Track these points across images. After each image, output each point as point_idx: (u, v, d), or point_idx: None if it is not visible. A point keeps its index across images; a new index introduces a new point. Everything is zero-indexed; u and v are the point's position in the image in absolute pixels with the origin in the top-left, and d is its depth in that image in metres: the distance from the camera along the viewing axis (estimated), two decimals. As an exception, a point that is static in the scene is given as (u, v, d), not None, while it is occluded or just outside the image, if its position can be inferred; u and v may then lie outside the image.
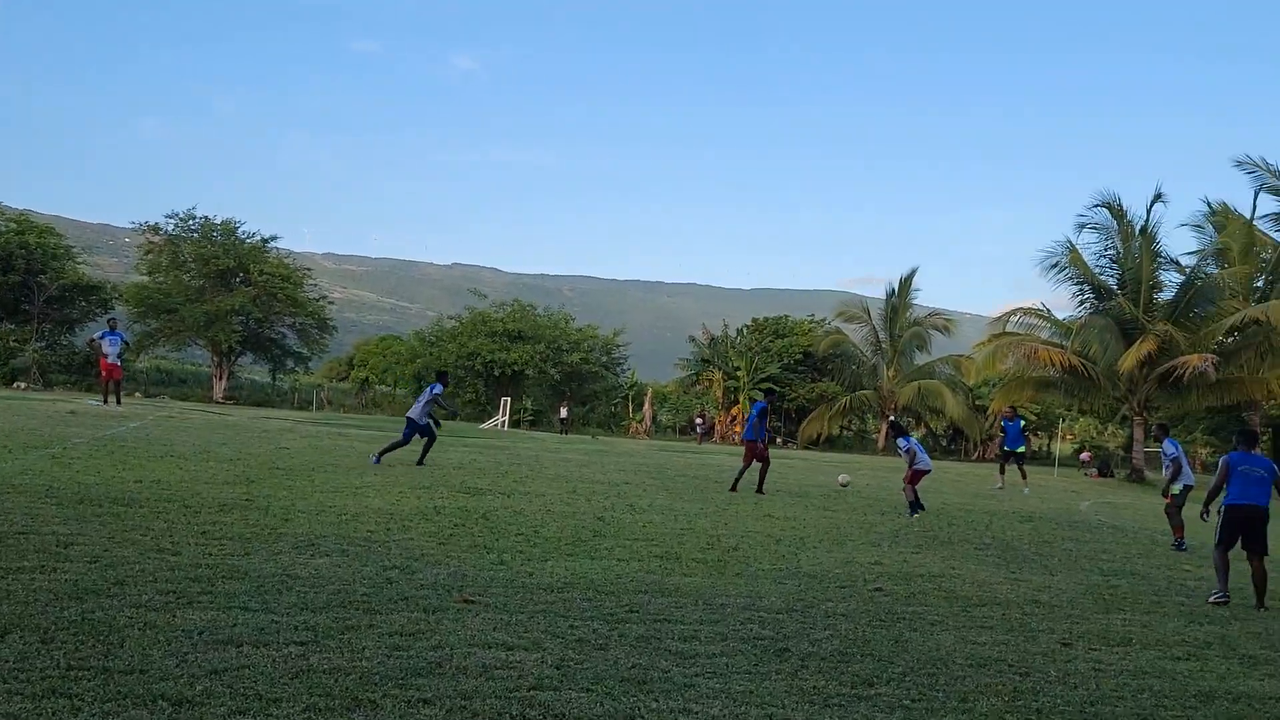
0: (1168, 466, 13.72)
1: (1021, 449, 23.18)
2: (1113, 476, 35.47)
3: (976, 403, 49.07)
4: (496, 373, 48.34)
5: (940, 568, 9.57)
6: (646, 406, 51.16)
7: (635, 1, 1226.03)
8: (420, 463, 15.41)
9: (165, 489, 10.11)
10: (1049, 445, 56.82)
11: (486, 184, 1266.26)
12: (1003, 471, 22.86)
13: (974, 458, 47.85)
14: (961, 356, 48.85)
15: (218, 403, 39.55)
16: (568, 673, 4.96)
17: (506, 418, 42.18)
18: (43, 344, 40.61)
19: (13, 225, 40.44)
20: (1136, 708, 5.27)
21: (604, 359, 53.39)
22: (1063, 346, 33.38)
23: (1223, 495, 9.29)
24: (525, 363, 47.57)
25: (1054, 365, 32.72)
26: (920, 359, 50.55)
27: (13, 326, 41.76)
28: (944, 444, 54.47)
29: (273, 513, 9.23)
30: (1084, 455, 41.11)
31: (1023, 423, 20.25)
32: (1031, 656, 6.23)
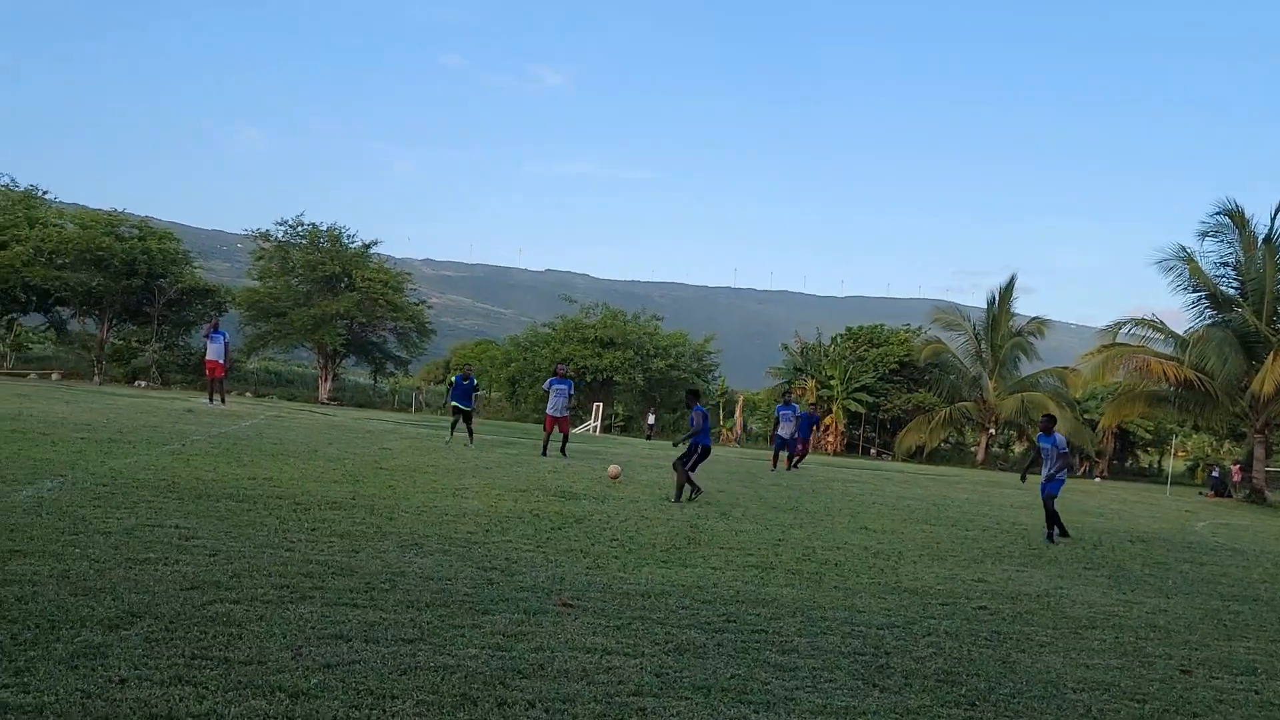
0: None
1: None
2: (1230, 496, 33.80)
3: (1085, 416, 47.37)
4: (588, 378, 48.78)
5: (1048, 587, 9.27)
6: (738, 414, 50.91)
7: (719, 6, 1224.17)
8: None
9: (276, 486, 10.50)
10: (1160, 462, 54.51)
11: (578, 193, 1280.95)
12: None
13: (1079, 473, 46.20)
14: (1067, 368, 47.30)
15: (322, 403, 40.88)
16: (668, 680, 4.96)
17: (598, 423, 42.51)
18: (162, 345, 42.60)
19: (136, 232, 42.52)
20: (1264, 742, 5.00)
21: (694, 365, 53.37)
22: (1178, 359, 31.99)
23: None
24: (615, 369, 47.87)
25: (1168, 379, 31.38)
26: (1022, 370, 49.10)
27: (134, 328, 43.93)
28: (1072, 465, 52.71)
29: (377, 512, 9.49)
30: (1233, 470, 38.83)
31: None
32: (1148, 683, 5.97)
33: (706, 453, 13.88)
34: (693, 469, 13.61)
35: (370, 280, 45.06)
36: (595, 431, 41.65)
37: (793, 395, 34.48)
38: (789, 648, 5.91)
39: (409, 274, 51.62)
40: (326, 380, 46.23)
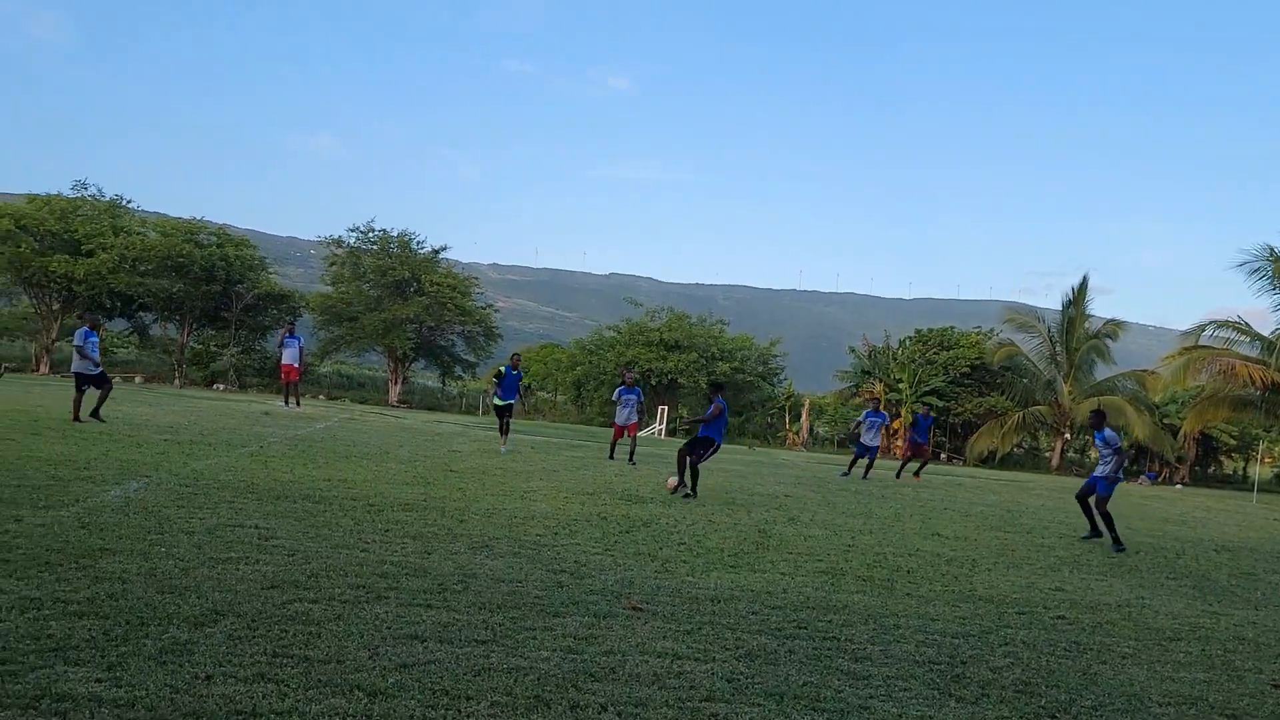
0: None
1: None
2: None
3: (1164, 420, 45.94)
4: (654, 381, 48.81)
5: (1129, 597, 9.00)
6: (804, 418, 50.47)
7: (783, 11, 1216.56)
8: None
9: (351, 488, 10.71)
10: (1245, 469, 52.61)
11: (641, 196, 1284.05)
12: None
13: (1158, 480, 44.79)
14: (1146, 371, 45.90)
15: (392, 406, 41.61)
16: (739, 686, 4.94)
17: (663, 426, 42.52)
18: (239, 349, 43.77)
19: (214, 239, 43.79)
20: (1365, 763, 4.79)
21: (760, 369, 53.03)
22: (1264, 362, 30.86)
23: None
24: (680, 371, 47.83)
25: (1254, 383, 30.29)
26: (1099, 373, 47.76)
27: (213, 332, 45.22)
28: (1127, 464, 51.25)
29: (448, 514, 9.62)
30: None
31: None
32: (1238, 698, 5.76)
33: (716, 449, 14.09)
34: (699, 462, 13.76)
35: (439, 285, 45.72)
36: (660, 434, 41.65)
37: (881, 403, 33.07)
38: (862, 655, 5.84)
39: (476, 278, 52.26)
40: (396, 383, 47.03)
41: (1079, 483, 18.21)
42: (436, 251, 48.21)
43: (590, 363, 51.15)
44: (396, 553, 7.40)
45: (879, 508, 15.09)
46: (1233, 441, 51.30)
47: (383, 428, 21.94)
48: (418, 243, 47.56)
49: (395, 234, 47.28)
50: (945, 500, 17.95)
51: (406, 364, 48.04)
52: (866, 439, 22.06)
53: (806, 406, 51.20)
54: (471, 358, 50.62)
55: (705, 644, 5.70)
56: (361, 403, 39.44)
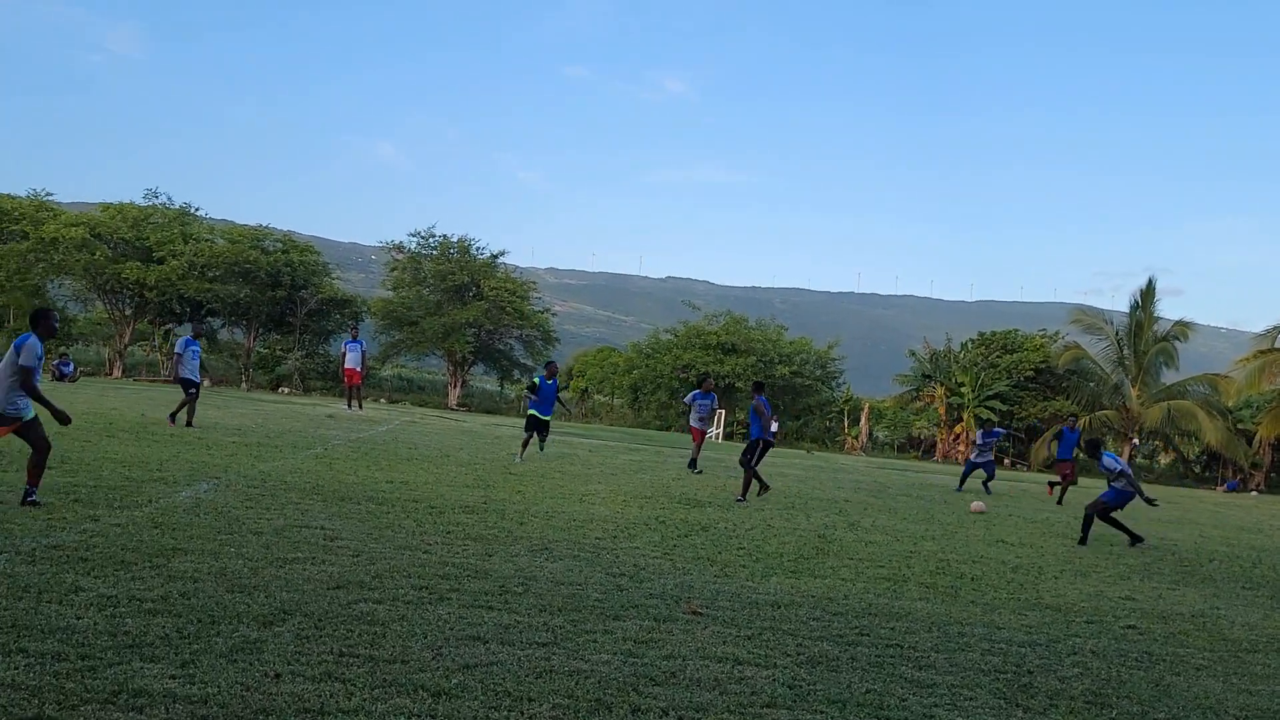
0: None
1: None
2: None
3: (1238, 426, 44.53)
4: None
5: (1202, 606, 8.73)
6: (863, 422, 49.92)
7: (838, 12, 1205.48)
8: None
9: (413, 490, 10.86)
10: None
11: (698, 200, 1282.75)
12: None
13: (1239, 488, 43.38)
14: (1218, 375, 44.53)
15: (452, 409, 42.11)
16: (801, 693, 4.90)
17: (720, 429, 42.37)
18: (303, 353, 44.64)
19: (279, 245, 44.74)
20: None
21: (818, 372, 52.57)
22: (1344, 365, 29.75)
23: None
24: (737, 375, 47.62)
25: (1333, 386, 29.20)
26: (1168, 377, 46.48)
27: (278, 337, 46.19)
28: (1197, 470, 49.81)
29: (509, 516, 9.70)
30: None
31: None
32: (1321, 714, 5.56)
33: (768, 447, 14.12)
34: (756, 464, 13.85)
35: (497, 289, 46.14)
36: (718, 438, 41.52)
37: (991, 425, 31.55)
38: (925, 663, 5.75)
39: (534, 283, 52.60)
40: (456, 387, 47.57)
41: (1149, 489, 17.71)
42: (495, 256, 48.65)
43: (647, 366, 51.19)
44: (458, 554, 7.48)
45: (942, 514, 14.86)
46: (1311, 447, 49.52)
47: (443, 430, 22.20)
48: (477, 248, 48.07)
49: (455, 239, 47.86)
50: (1009, 507, 17.62)
51: (466, 368, 48.55)
52: (975, 456, 20.96)
53: (865, 410, 50.64)
54: (529, 361, 50.98)
55: (766, 649, 5.66)
56: (421, 406, 39.97)
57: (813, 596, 7.39)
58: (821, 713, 4.63)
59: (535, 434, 16.56)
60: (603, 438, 28.50)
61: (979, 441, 21.32)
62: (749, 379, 48.09)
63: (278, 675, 4.33)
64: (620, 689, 4.64)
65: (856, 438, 49.49)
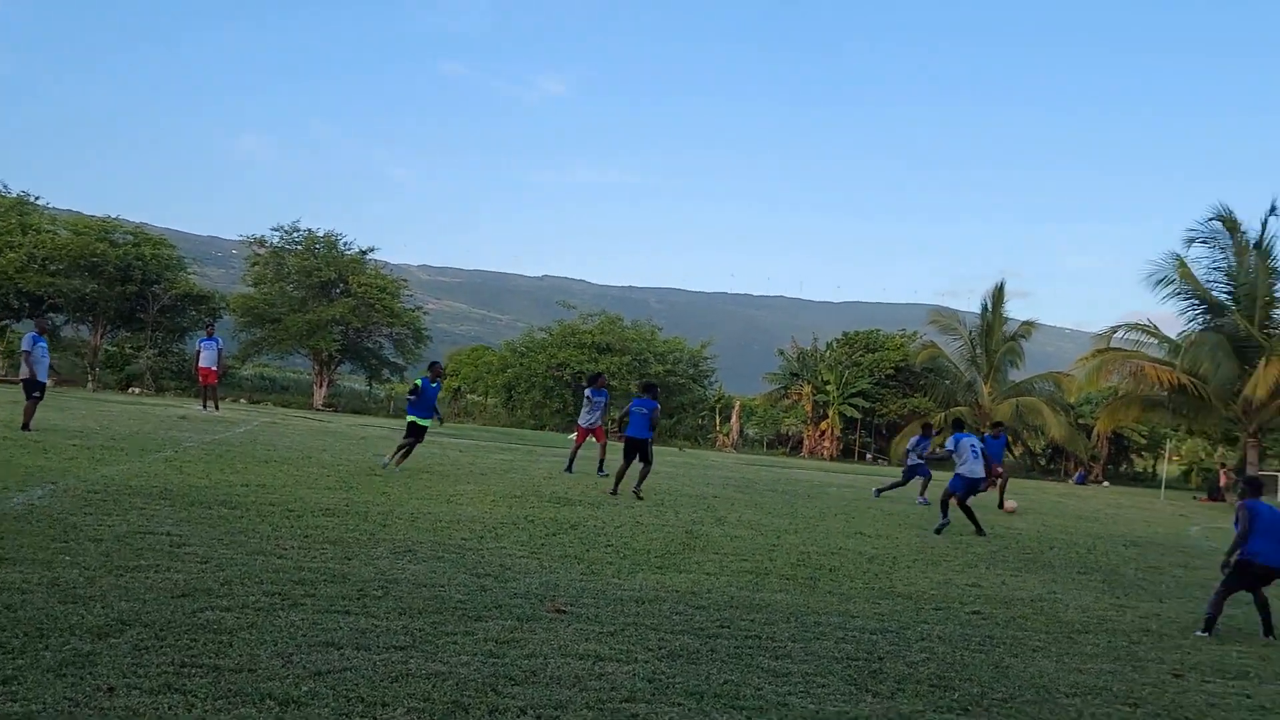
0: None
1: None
2: (1223, 500, 33.84)
3: (1079, 421, 47.42)
4: (584, 384, 48.72)
5: (1041, 591, 9.27)
6: (734, 419, 50.93)
7: (716, 15, 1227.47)
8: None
9: (269, 493, 10.47)
10: (1155, 467, 54.54)
11: (576, 199, 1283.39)
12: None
13: (1089, 479, 46.21)
14: (1061, 373, 47.33)
15: (317, 409, 40.84)
16: (660, 686, 4.95)
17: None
18: (155, 351, 42.47)
19: (130, 238, 42.42)
20: (1257, 746, 5.01)
21: (691, 371, 53.34)
22: (1171, 364, 32.06)
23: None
24: (612, 374, 47.83)
25: (1161, 384, 31.43)
26: (1017, 375, 49.12)
27: (128, 334, 43.79)
28: (1043, 463, 52.81)
29: (371, 518, 9.47)
30: (1220, 474, 38.99)
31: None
32: (1140, 687, 5.97)
33: (642, 446, 14.08)
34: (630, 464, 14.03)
35: (366, 286, 44.97)
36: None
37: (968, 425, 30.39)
38: (782, 653, 5.91)
39: (405, 280, 51.52)
40: (322, 386, 46.14)
41: (997, 481, 18.65)
42: (364, 252, 47.43)
43: (521, 365, 50.88)
44: (315, 558, 7.25)
45: (805, 508, 15.29)
46: (1143, 440, 53.30)
47: (305, 431, 21.50)
48: (345, 243, 46.76)
49: (321, 234, 46.42)
50: (869, 500, 18.27)
51: (332, 367, 47.16)
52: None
53: (737, 408, 51.68)
54: (400, 360, 49.93)
55: (628, 645, 5.70)
56: (285, 406, 38.61)
57: (677, 591, 7.49)
58: (680, 705, 4.70)
59: (415, 440, 14.72)
60: (475, 438, 28.18)
61: (912, 447, 20.59)
62: (625, 378, 48.39)
63: (111, 689, 4.11)
64: (479, 690, 4.59)
65: (728, 435, 50.46)
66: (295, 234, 46.14)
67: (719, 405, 54.07)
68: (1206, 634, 7.92)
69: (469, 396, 59.70)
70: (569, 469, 17.14)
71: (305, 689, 4.35)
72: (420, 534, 8.86)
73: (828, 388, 49.82)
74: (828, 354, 53.03)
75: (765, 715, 4.68)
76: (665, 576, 8.09)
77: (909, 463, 19.78)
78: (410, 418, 14.76)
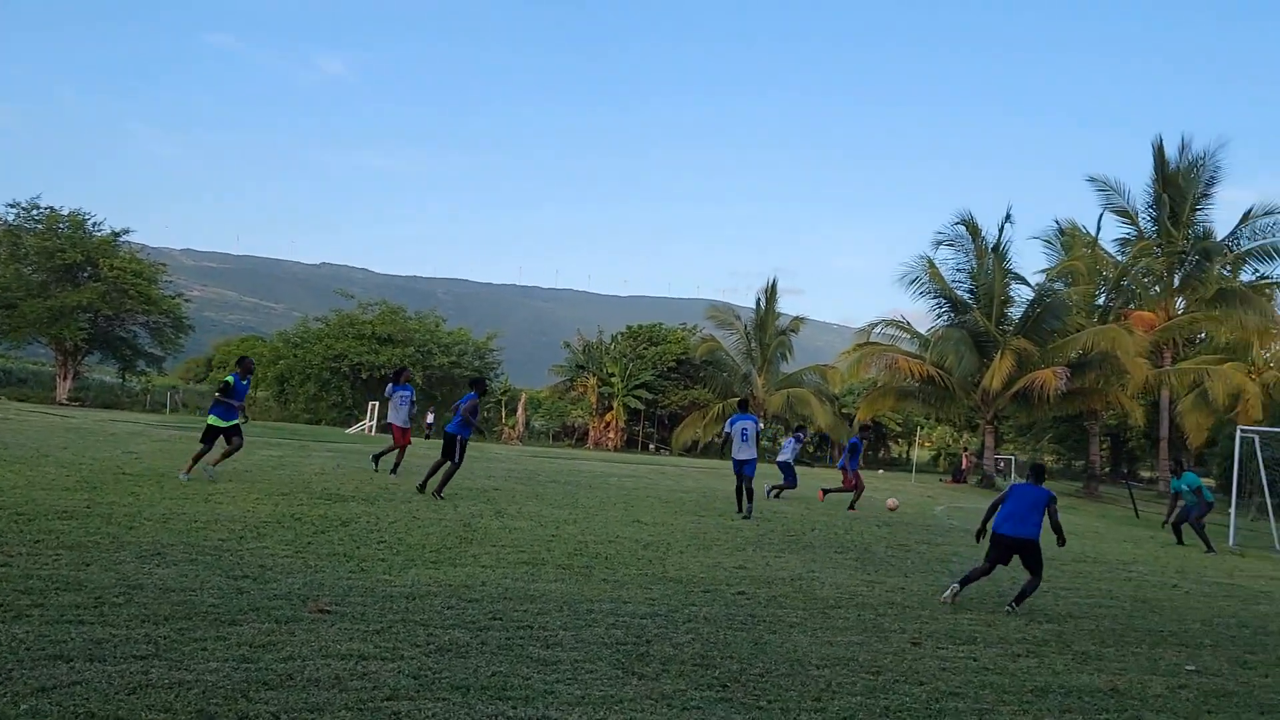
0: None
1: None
2: (965, 482, 37.20)
3: (842, 410, 50.69)
4: (364, 376, 47.14)
5: (801, 571, 9.83)
6: (520, 412, 50.84)
7: (508, 5, 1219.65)
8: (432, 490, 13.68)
9: (-5, 496, 9.45)
10: (908, 452, 59.12)
11: (357, 185, 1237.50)
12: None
13: (839, 465, 49.36)
14: (827, 366, 50.41)
15: (61, 404, 37.27)
16: (425, 682, 4.87)
17: (374, 422, 41.16)
18: None
19: None
20: (977, 704, 5.52)
21: (477, 363, 52.76)
22: (922, 357, 34.84)
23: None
24: (393, 366, 46.52)
25: (913, 375, 34.10)
26: (789, 367, 51.90)
27: None
28: (811, 450, 56.04)
29: (116, 520, 8.74)
30: (964, 458, 43.00)
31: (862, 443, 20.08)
32: (883, 656, 6.45)
33: (451, 439, 13.78)
34: (459, 463, 13.69)
35: (119, 270, 41.48)
36: (372, 431, 40.26)
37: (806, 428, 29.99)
38: (553, 642, 5.95)
39: (164, 265, 47.93)
40: (66, 379, 42.13)
41: (765, 469, 19.62)
42: (117, 234, 43.72)
43: (295, 356, 48.55)
44: (47, 565, 6.61)
45: (586, 498, 15.48)
46: (898, 428, 57.69)
47: (44, 428, 19.57)
48: (94, 223, 42.89)
49: (65, 212, 42.36)
50: (648, 488, 18.74)
51: (79, 357, 43.18)
52: (781, 456, 20.17)
53: (523, 401, 51.63)
54: (158, 351, 46.39)
55: (395, 642, 5.57)
56: (22, 400, 34.97)
57: (450, 585, 7.38)
58: (444, 700, 4.63)
59: (223, 438, 13.30)
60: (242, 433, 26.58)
61: (787, 445, 20.65)
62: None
63: None
64: (227, 697, 4.34)
65: (514, 427, 50.30)
66: (35, 211, 41.93)
67: (505, 397, 53.82)
68: (959, 587, 8.76)
69: (238, 389, 56.24)
70: (394, 472, 16.02)
71: (25, 707, 3.96)
72: (172, 536, 8.27)
73: (613, 380, 50.67)
74: (613, 347, 53.93)
75: (531, 705, 4.70)
76: (439, 571, 7.96)
77: (780, 459, 20.09)
78: (211, 419, 13.29)
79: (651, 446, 52.17)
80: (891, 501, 18.88)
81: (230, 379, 13.63)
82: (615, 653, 5.82)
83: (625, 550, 10.10)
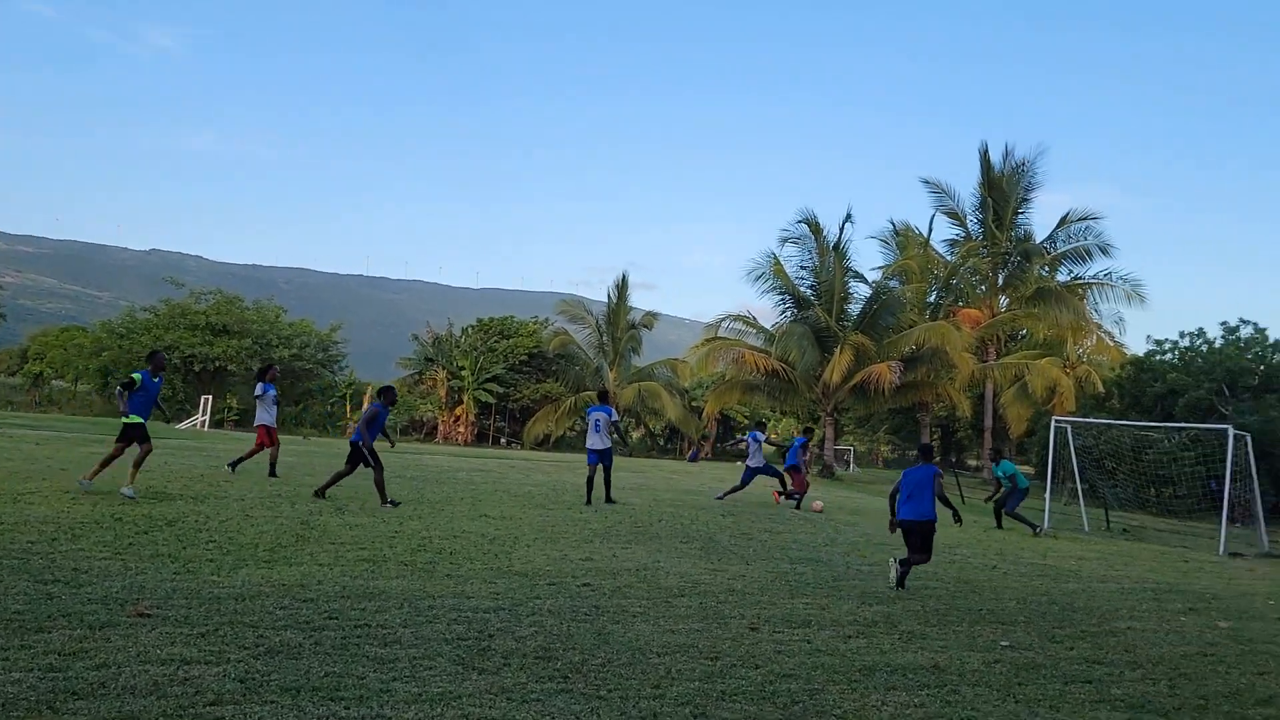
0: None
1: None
2: (806, 471, 38.51)
3: (692, 404, 51.62)
4: (197, 368, 44.82)
5: (647, 561, 9.95)
6: (365, 405, 49.46)
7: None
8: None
9: None
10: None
11: (192, 168, 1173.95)
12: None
13: (688, 457, 50.24)
14: (677, 359, 51.25)
15: None
16: (252, 685, 4.67)
17: (207, 417, 39.21)
18: None
19: None
20: (809, 684, 5.74)
21: (320, 355, 51.01)
22: (767, 352, 35.87)
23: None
24: (230, 358, 44.46)
25: (759, 369, 35.08)
26: (641, 360, 52.46)
27: None
28: (662, 443, 56.85)
29: (-95, 525, 8.00)
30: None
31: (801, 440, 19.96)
32: (721, 641, 6.62)
33: (356, 449, 13.25)
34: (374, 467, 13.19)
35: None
36: (204, 426, 38.30)
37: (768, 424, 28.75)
38: (391, 639, 5.82)
39: (-31, 247, 44.20)
40: None
41: (619, 460, 19.73)
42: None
43: (120, 347, 45.67)
44: None
45: (432, 492, 15.20)
46: (746, 420, 59.19)
47: None
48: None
49: None
50: (497, 482, 18.58)
51: None
52: (751, 462, 19.29)
53: (368, 394, 50.15)
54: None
55: (220, 645, 5.32)
56: None
57: (284, 585, 7.11)
58: (272, 703, 4.46)
59: (129, 446, 11.95)
60: (58, 429, 24.85)
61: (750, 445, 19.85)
62: (244, 362, 45.08)
63: None
64: (31, 709, 4.05)
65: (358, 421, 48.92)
66: None
67: (350, 391, 52.25)
68: (899, 588, 9.57)
69: (54, 383, 52.56)
70: (273, 473, 15.14)
71: None
72: (-28, 540, 7.63)
73: (463, 373, 49.99)
74: (463, 340, 53.19)
75: (366, 704, 4.59)
76: (273, 571, 7.65)
77: (750, 464, 19.13)
78: (130, 418, 11.93)
79: (503, 440, 51.75)
80: (817, 504, 19.12)
81: (138, 375, 12.13)
82: (456, 648, 5.75)
83: (470, 545, 9.98)
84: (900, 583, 9.66)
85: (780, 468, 19.63)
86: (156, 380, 12.44)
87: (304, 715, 4.34)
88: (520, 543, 10.47)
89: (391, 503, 12.92)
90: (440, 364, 51.18)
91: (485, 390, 50.00)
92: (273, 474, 15.15)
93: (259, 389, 15.53)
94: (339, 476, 13.37)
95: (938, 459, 52.38)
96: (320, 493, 13.09)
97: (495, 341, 51.44)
